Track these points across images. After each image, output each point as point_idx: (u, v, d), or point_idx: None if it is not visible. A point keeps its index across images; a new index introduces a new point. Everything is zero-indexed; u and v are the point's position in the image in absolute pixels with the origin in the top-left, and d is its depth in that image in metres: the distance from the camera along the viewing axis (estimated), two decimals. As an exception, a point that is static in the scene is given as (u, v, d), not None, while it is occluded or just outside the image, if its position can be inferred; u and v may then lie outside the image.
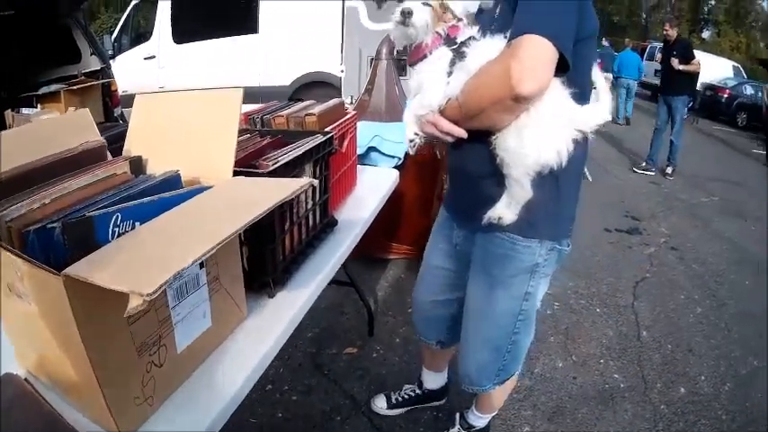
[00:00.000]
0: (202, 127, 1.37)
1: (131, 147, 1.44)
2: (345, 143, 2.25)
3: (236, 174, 1.30)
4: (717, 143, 13.24)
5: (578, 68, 1.35)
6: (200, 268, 1.12)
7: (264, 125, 1.99)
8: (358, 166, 2.56)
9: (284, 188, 1.10)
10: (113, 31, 8.76)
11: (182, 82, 7.37)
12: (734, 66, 20.49)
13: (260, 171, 1.38)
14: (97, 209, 1.00)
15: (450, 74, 1.42)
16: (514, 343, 1.82)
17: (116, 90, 5.29)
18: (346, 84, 6.67)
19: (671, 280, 4.80)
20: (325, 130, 1.90)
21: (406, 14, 1.39)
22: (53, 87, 3.98)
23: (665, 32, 8.12)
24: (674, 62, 7.82)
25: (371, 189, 2.49)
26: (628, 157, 9.74)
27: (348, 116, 2.29)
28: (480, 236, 1.69)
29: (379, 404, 2.68)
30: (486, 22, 1.49)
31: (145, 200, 1.07)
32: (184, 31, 7.57)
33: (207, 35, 7.39)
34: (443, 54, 1.43)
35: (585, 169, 7.49)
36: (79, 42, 5.25)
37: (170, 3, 7.52)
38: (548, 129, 1.36)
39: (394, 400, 2.66)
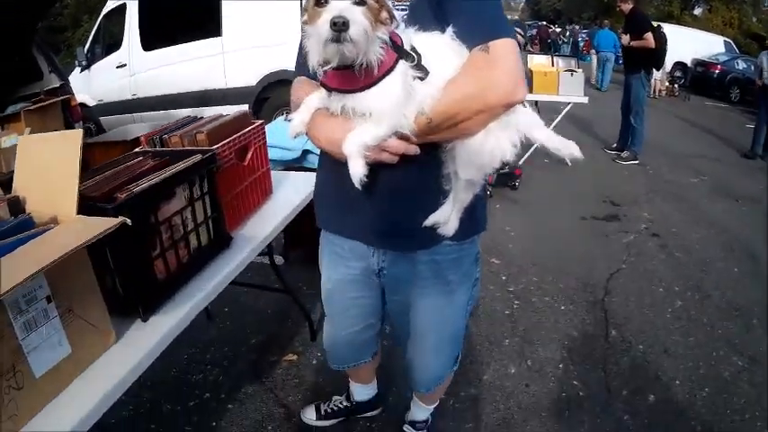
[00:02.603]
0: (52, 167, 1.57)
1: (17, 185, 1.66)
2: (249, 155, 2.44)
3: (87, 210, 1.50)
4: (710, 119, 13.39)
5: None
6: (48, 302, 1.34)
7: (163, 145, 2.15)
8: (292, 171, 2.87)
9: (88, 231, 1.34)
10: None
11: (152, 89, 8.27)
12: (725, 41, 21.56)
13: (108, 207, 1.52)
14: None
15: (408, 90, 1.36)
16: (465, 328, 2.06)
17: (76, 105, 5.88)
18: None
19: (649, 271, 4.69)
20: (214, 146, 2.09)
21: (341, 27, 1.14)
22: (18, 106, 4.45)
23: (617, 7, 8.22)
24: (624, 39, 8.00)
25: (291, 197, 2.72)
26: (607, 139, 9.67)
27: (252, 127, 2.46)
28: (423, 252, 1.76)
29: (309, 415, 2.79)
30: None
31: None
32: (152, 38, 8.15)
33: (174, 41, 7.94)
34: (402, 70, 1.33)
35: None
36: (40, 61, 5.86)
37: (137, 11, 8.11)
38: (503, 124, 1.43)
39: (323, 412, 2.77)
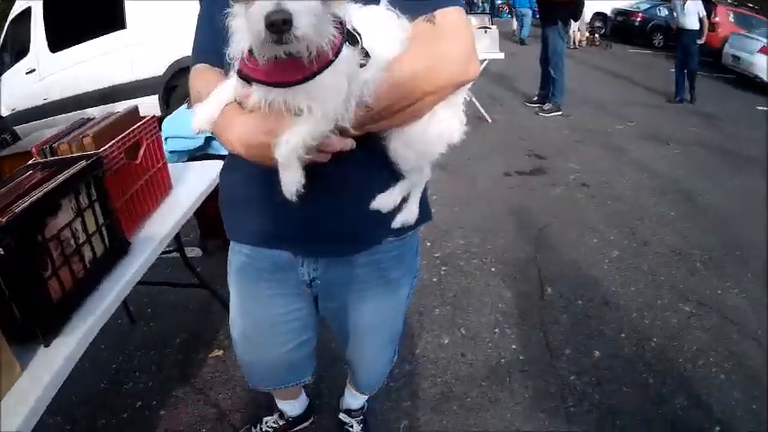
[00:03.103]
0: None
1: None
2: (141, 153, 2.31)
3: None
4: (633, 67, 13.60)
5: None
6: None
7: (53, 154, 2.02)
8: (194, 162, 2.82)
9: None
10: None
11: (63, 91, 7.98)
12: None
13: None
14: None
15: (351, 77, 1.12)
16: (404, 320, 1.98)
17: None
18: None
19: (581, 222, 4.54)
20: (101, 149, 1.98)
21: (281, 28, 0.87)
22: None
23: None
24: None
25: (192, 190, 2.60)
26: (528, 93, 9.56)
27: (141, 123, 2.33)
28: (363, 254, 1.61)
29: None
30: None
31: None
32: (58, 39, 7.88)
33: (79, 39, 7.69)
34: (347, 55, 1.06)
35: (482, 110, 7.55)
36: None
37: (42, 13, 7.87)
38: (449, 102, 1.30)
39: None
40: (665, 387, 2.70)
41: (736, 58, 12.29)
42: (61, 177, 1.69)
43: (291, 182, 1.11)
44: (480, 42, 7.01)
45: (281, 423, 2.59)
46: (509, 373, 2.81)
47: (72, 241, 1.73)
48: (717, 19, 13.94)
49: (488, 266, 3.82)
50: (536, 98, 8.71)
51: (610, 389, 2.68)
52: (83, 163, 1.79)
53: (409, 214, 1.48)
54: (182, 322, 3.40)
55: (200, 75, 1.39)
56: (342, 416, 2.53)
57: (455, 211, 4.71)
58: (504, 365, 2.87)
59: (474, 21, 7.70)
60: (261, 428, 2.60)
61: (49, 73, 8.14)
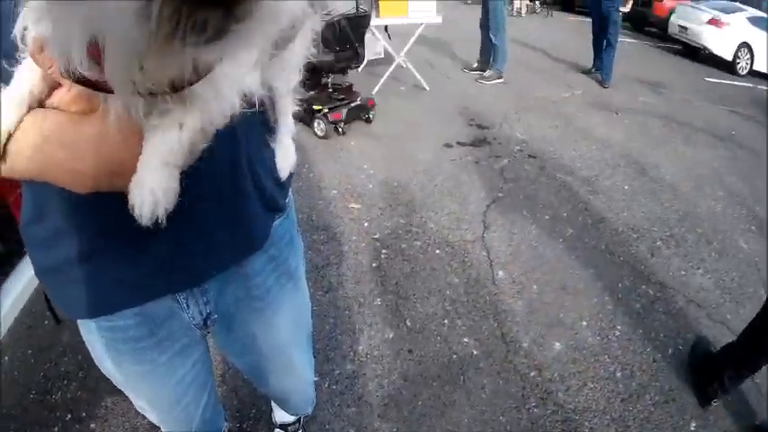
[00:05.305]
0: None
1: None
2: None
3: None
4: (576, 34, 13.61)
5: None
6: None
7: None
8: None
9: None
10: None
11: None
12: None
13: None
14: None
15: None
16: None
17: None
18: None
19: (531, 197, 4.40)
20: None
21: None
22: None
23: None
24: None
25: None
26: (467, 59, 9.45)
27: None
28: (257, 255, 1.35)
29: None
30: None
31: None
32: None
33: None
34: None
35: (420, 77, 7.36)
36: None
37: None
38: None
39: None
40: (635, 381, 2.59)
41: (683, 28, 12.53)
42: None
43: (167, 194, 0.83)
44: (416, 5, 6.86)
45: None
46: (462, 370, 2.67)
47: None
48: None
49: (432, 249, 3.65)
50: (476, 65, 8.61)
51: (575, 385, 2.56)
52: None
53: (289, 157, 1.29)
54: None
55: None
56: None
57: (394, 188, 4.51)
58: (456, 362, 2.72)
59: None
60: None
61: None
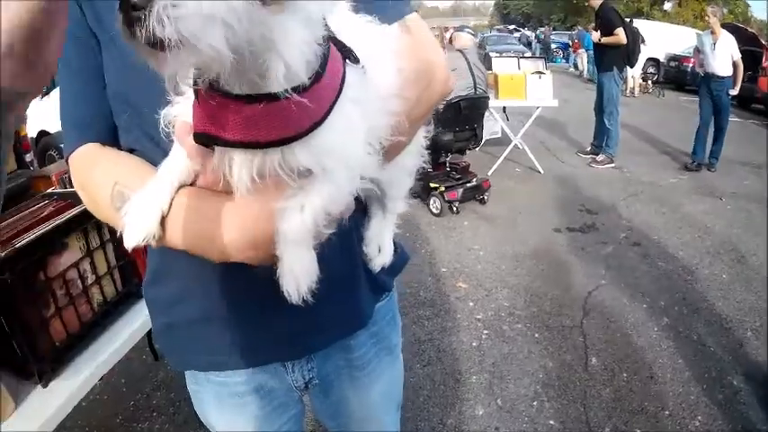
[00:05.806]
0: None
1: None
2: None
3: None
4: (686, 115, 12.98)
5: None
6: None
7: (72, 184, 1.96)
8: None
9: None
10: None
11: None
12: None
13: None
14: None
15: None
16: None
17: (24, 134, 6.12)
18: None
19: (631, 285, 4.59)
20: None
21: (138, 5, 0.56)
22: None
23: (586, 2, 8.38)
24: (594, 35, 8.05)
25: None
26: (581, 142, 9.64)
27: None
28: (359, 334, 1.43)
29: None
30: None
31: None
32: None
33: None
34: (356, 82, 0.81)
35: (534, 159, 7.72)
36: None
37: None
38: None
39: None
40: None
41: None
42: (69, 214, 1.68)
43: (306, 273, 0.84)
44: (533, 89, 7.17)
45: None
46: (543, 451, 2.82)
47: (79, 282, 1.71)
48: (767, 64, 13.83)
49: (532, 332, 3.89)
50: (589, 148, 8.79)
51: (650, 471, 2.70)
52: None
53: (385, 254, 1.28)
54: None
55: (96, 161, 1.07)
56: None
57: (501, 270, 4.81)
58: (541, 442, 2.89)
59: (528, 65, 7.82)
60: None
61: None
